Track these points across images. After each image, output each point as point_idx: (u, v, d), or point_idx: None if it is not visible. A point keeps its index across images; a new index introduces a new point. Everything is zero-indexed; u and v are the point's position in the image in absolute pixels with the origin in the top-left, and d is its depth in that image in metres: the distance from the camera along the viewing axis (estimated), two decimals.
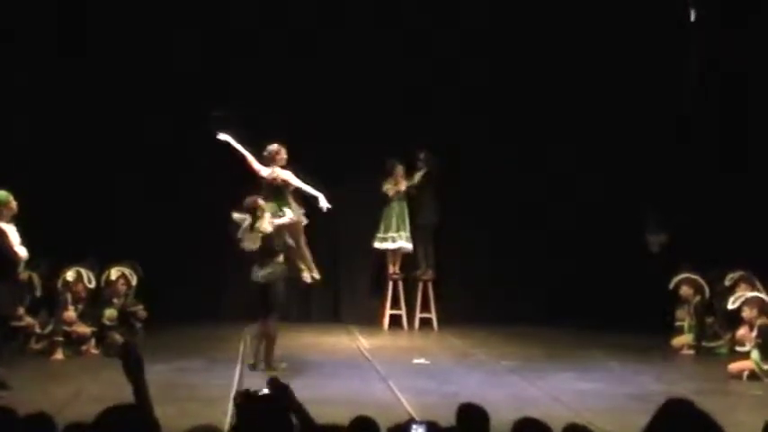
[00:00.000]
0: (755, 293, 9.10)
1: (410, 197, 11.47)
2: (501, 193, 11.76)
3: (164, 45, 11.32)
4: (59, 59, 11.08)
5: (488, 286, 11.70)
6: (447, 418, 4.05)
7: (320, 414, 3.69)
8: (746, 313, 8.86)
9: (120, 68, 11.23)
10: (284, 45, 11.63)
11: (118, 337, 9.85)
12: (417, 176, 11.47)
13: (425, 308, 11.58)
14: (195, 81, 11.35)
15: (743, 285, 9.63)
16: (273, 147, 9.04)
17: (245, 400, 3.03)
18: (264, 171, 8.95)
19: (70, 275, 9.57)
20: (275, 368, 8.19)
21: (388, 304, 11.53)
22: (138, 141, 11.34)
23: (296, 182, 8.97)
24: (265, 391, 3.22)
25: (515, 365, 8.90)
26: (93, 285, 9.75)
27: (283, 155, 9.01)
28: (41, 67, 11.00)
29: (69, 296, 9.55)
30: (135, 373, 3.15)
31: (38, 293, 9.59)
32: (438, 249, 11.63)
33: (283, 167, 9.03)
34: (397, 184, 11.41)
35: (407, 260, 11.65)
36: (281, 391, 3.25)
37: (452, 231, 11.61)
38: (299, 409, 3.27)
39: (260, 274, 8.53)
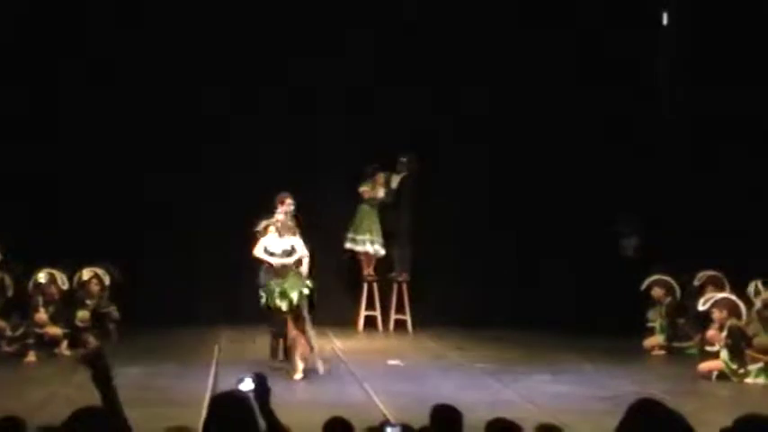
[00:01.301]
0: (725, 295, 9.23)
1: (385, 205, 11.47)
2: (477, 197, 11.81)
3: (147, 48, 11.27)
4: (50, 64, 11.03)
5: (463, 289, 11.74)
6: (421, 419, 4.07)
7: (294, 416, 3.70)
8: (716, 314, 8.98)
9: (100, 68, 11.18)
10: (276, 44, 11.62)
11: (91, 339, 9.79)
12: (395, 181, 11.49)
13: (400, 309, 11.60)
14: (187, 78, 11.28)
15: (710, 287, 9.78)
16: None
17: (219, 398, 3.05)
18: None
19: (42, 277, 9.49)
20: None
21: (363, 306, 11.55)
22: (113, 144, 11.27)
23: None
24: (249, 381, 3.23)
25: (490, 368, 8.94)
26: (66, 287, 9.67)
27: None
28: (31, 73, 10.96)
29: (41, 298, 9.47)
30: (104, 380, 3.14)
31: (9, 294, 9.50)
32: (414, 252, 11.66)
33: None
34: (375, 189, 11.42)
35: (382, 262, 11.67)
36: (264, 390, 3.25)
37: (428, 234, 11.64)
38: (269, 413, 3.28)
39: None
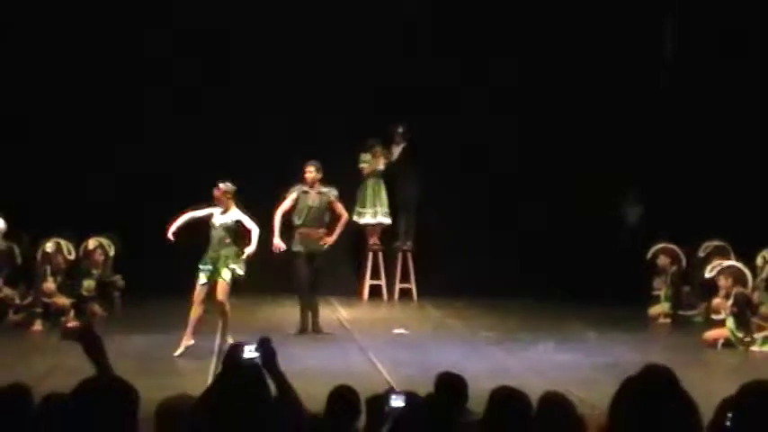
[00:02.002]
0: (732, 263, 9.21)
1: (389, 174, 11.48)
2: (481, 166, 11.76)
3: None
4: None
5: (468, 258, 11.73)
6: (426, 388, 4.08)
7: (300, 385, 3.69)
8: (722, 282, 8.97)
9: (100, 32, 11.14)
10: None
11: (97, 308, 9.85)
12: (396, 152, 11.48)
13: (405, 278, 11.62)
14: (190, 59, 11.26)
15: (716, 257, 9.76)
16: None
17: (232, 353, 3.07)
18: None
19: (49, 247, 9.51)
20: (323, 332, 8.92)
21: (368, 275, 11.56)
22: (115, 113, 11.25)
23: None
24: (253, 347, 3.22)
25: (494, 336, 8.97)
26: (72, 257, 9.70)
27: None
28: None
29: (48, 268, 9.50)
30: (95, 353, 3.15)
31: (18, 263, 9.53)
32: (418, 221, 11.65)
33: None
34: (375, 162, 11.41)
35: (387, 231, 11.67)
36: (269, 353, 3.25)
37: (433, 203, 11.62)
38: (278, 374, 3.28)
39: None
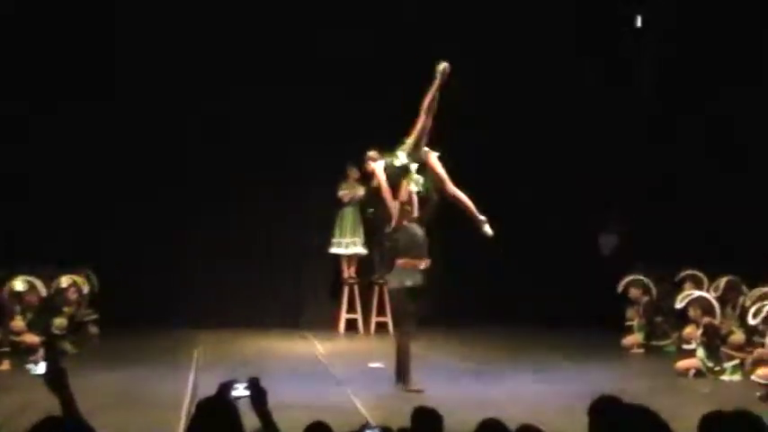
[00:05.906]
0: (700, 293, 9.30)
1: (364, 203, 11.49)
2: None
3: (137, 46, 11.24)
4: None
5: (444, 289, 11.72)
6: (403, 422, 4.07)
7: (276, 420, 3.67)
8: (692, 313, 9.06)
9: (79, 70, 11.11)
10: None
11: (68, 347, 9.71)
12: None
13: (381, 311, 11.60)
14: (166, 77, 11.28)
15: (689, 284, 9.87)
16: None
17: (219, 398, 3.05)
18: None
19: (21, 286, 9.33)
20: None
21: (344, 308, 11.53)
22: (91, 146, 11.20)
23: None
24: (243, 387, 3.20)
25: (472, 367, 8.97)
26: (44, 294, 9.56)
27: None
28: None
29: (17, 306, 9.35)
30: (59, 388, 3.12)
31: None
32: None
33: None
34: (354, 189, 11.42)
35: (363, 264, 11.66)
36: (260, 393, 3.24)
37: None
38: (266, 415, 3.27)
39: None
